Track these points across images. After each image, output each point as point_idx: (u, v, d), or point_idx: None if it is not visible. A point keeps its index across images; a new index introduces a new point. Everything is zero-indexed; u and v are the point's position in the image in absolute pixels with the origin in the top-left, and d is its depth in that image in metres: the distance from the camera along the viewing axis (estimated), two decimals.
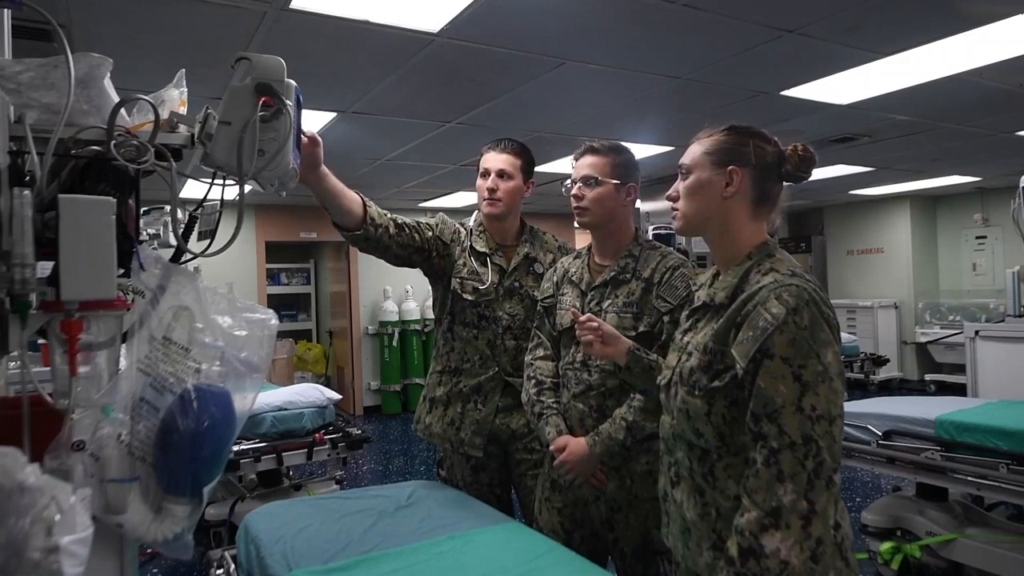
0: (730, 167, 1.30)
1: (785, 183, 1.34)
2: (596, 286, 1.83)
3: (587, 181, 1.80)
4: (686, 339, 1.37)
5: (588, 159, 1.82)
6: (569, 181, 1.84)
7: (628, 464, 1.76)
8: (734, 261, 1.32)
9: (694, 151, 1.36)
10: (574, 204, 1.82)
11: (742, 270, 1.28)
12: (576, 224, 1.86)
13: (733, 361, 1.20)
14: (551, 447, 1.80)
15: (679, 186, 1.37)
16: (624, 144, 1.87)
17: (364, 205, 1.90)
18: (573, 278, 1.89)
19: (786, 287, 1.18)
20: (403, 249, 2.00)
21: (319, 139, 1.65)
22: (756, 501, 1.12)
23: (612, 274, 1.81)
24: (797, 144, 1.31)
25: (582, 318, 1.63)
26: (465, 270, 2.11)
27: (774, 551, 1.08)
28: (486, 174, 2.12)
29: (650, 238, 1.94)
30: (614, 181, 1.79)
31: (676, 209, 1.37)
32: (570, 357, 1.84)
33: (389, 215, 1.99)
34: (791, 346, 1.13)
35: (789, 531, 1.08)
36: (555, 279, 1.96)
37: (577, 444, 1.76)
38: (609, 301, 1.79)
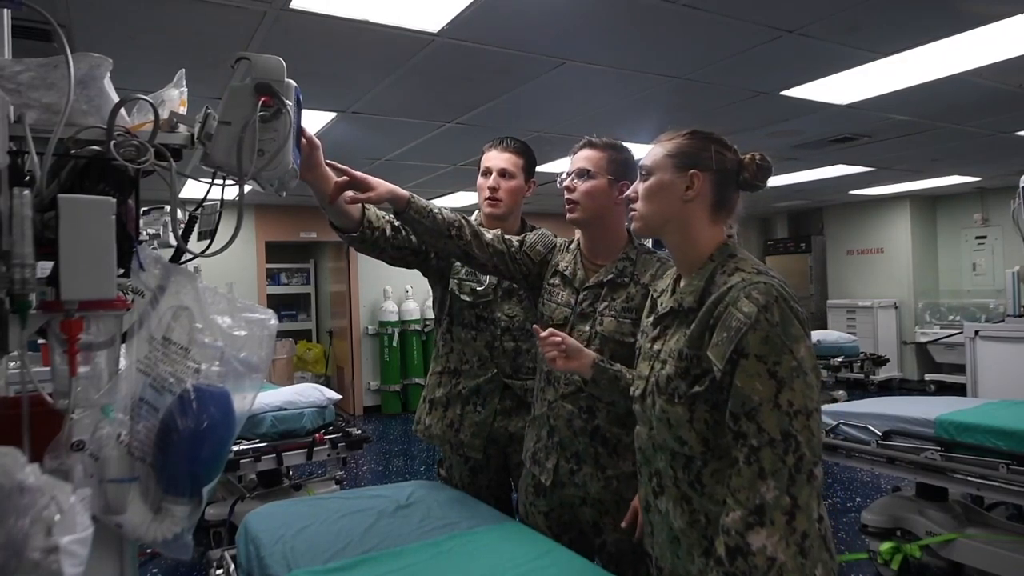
0: (691, 171, 1.31)
1: (742, 191, 1.36)
2: (590, 286, 1.80)
3: (580, 174, 1.76)
4: (656, 347, 1.36)
5: (584, 153, 1.79)
6: (564, 174, 1.81)
7: (616, 465, 1.75)
8: (696, 264, 1.33)
9: (656, 153, 1.36)
10: (565, 196, 1.79)
11: (707, 272, 1.29)
12: (567, 219, 1.81)
13: (710, 364, 1.20)
14: (624, 524, 1.66)
15: (639, 187, 1.37)
16: (624, 144, 1.84)
17: (363, 208, 1.89)
18: (565, 272, 1.85)
19: (754, 285, 1.19)
20: (398, 251, 1.98)
21: (317, 142, 1.64)
22: (740, 500, 1.13)
23: (610, 276, 1.78)
24: (755, 153, 1.33)
25: (544, 333, 1.60)
26: (463, 271, 2.10)
27: (760, 548, 1.09)
28: (487, 173, 2.11)
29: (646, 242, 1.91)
30: (608, 177, 1.76)
31: (635, 210, 1.38)
32: None
33: (387, 217, 1.97)
34: (764, 344, 1.14)
35: (774, 527, 1.09)
36: (547, 257, 1.90)
37: None
38: (605, 304, 1.76)
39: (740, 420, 1.15)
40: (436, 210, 1.76)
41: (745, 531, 1.10)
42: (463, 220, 1.80)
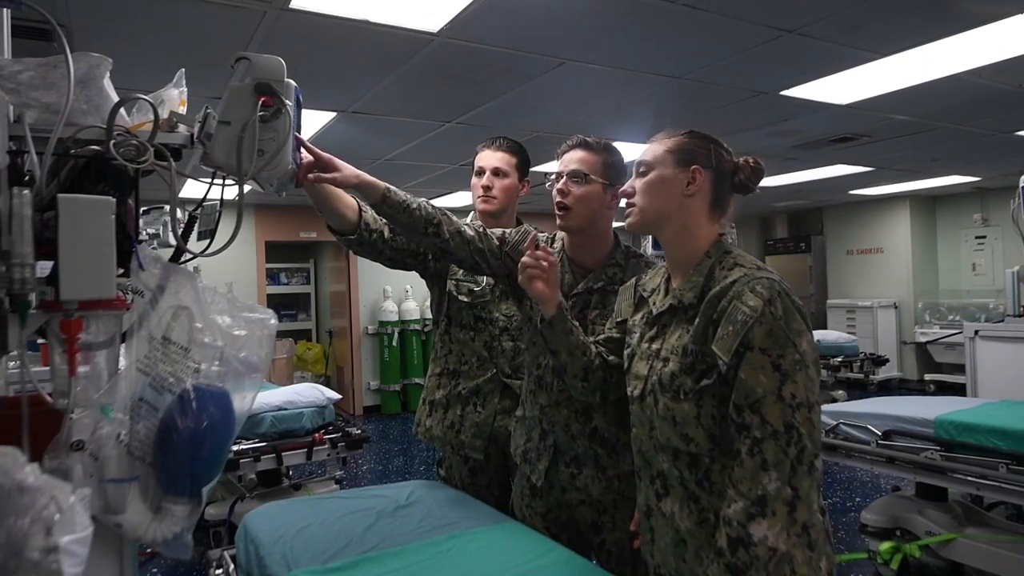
0: (693, 167, 1.33)
1: (735, 193, 1.38)
2: (579, 292, 1.75)
3: (574, 176, 1.66)
4: (655, 346, 1.36)
5: (578, 154, 1.69)
6: (554, 175, 1.72)
7: (617, 464, 1.74)
8: (693, 261, 1.34)
9: (656, 149, 1.37)
10: (557, 199, 1.69)
11: (705, 268, 1.31)
12: (557, 225, 1.74)
13: (715, 359, 1.21)
14: (632, 527, 1.63)
15: (635, 183, 1.38)
16: (616, 145, 1.77)
17: (360, 210, 1.88)
18: None
19: (758, 280, 1.21)
20: (397, 253, 1.97)
21: (313, 160, 1.60)
22: (742, 491, 1.14)
23: (600, 284, 1.74)
24: (749, 157, 1.36)
25: (539, 251, 1.51)
26: (460, 272, 2.09)
27: (762, 539, 1.10)
28: (481, 172, 2.11)
29: (648, 248, 1.90)
30: (602, 181, 1.67)
31: (632, 205, 1.38)
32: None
33: (384, 220, 1.96)
34: (769, 337, 1.15)
35: (775, 518, 1.10)
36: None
37: None
38: (596, 312, 1.73)
39: (744, 412, 1.16)
40: (415, 205, 1.65)
41: (747, 522, 1.11)
42: (442, 217, 1.69)
